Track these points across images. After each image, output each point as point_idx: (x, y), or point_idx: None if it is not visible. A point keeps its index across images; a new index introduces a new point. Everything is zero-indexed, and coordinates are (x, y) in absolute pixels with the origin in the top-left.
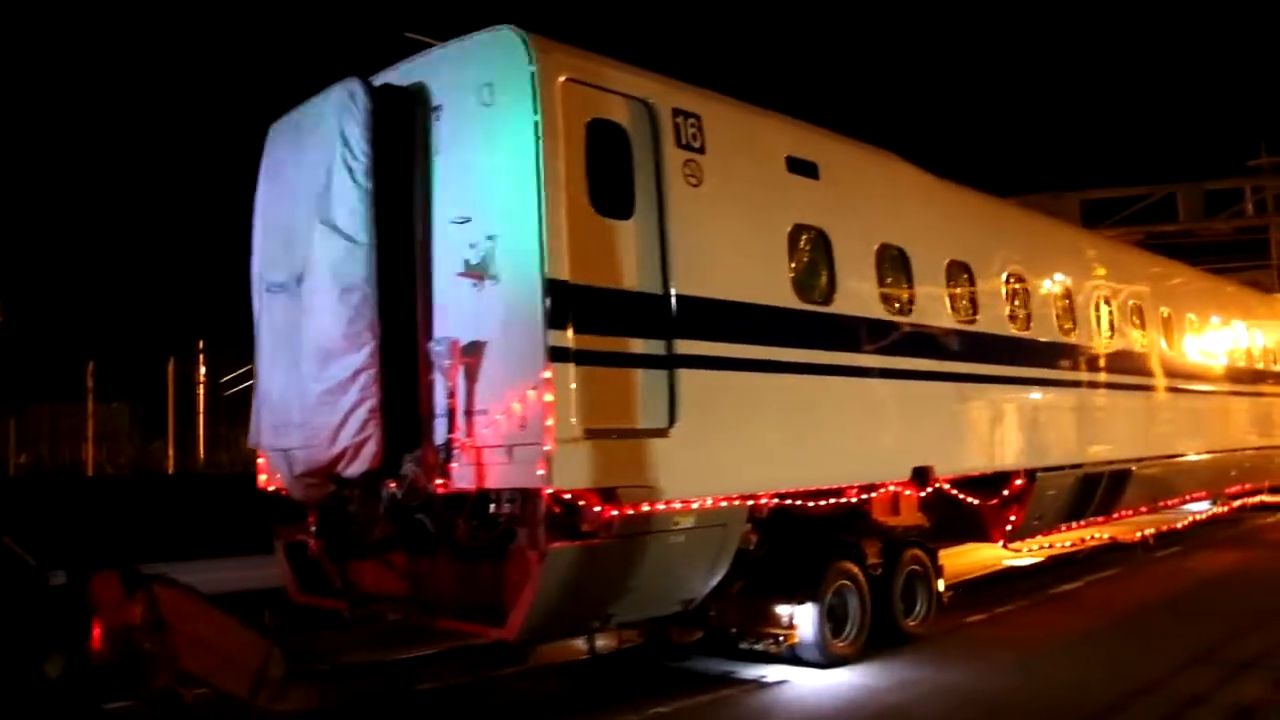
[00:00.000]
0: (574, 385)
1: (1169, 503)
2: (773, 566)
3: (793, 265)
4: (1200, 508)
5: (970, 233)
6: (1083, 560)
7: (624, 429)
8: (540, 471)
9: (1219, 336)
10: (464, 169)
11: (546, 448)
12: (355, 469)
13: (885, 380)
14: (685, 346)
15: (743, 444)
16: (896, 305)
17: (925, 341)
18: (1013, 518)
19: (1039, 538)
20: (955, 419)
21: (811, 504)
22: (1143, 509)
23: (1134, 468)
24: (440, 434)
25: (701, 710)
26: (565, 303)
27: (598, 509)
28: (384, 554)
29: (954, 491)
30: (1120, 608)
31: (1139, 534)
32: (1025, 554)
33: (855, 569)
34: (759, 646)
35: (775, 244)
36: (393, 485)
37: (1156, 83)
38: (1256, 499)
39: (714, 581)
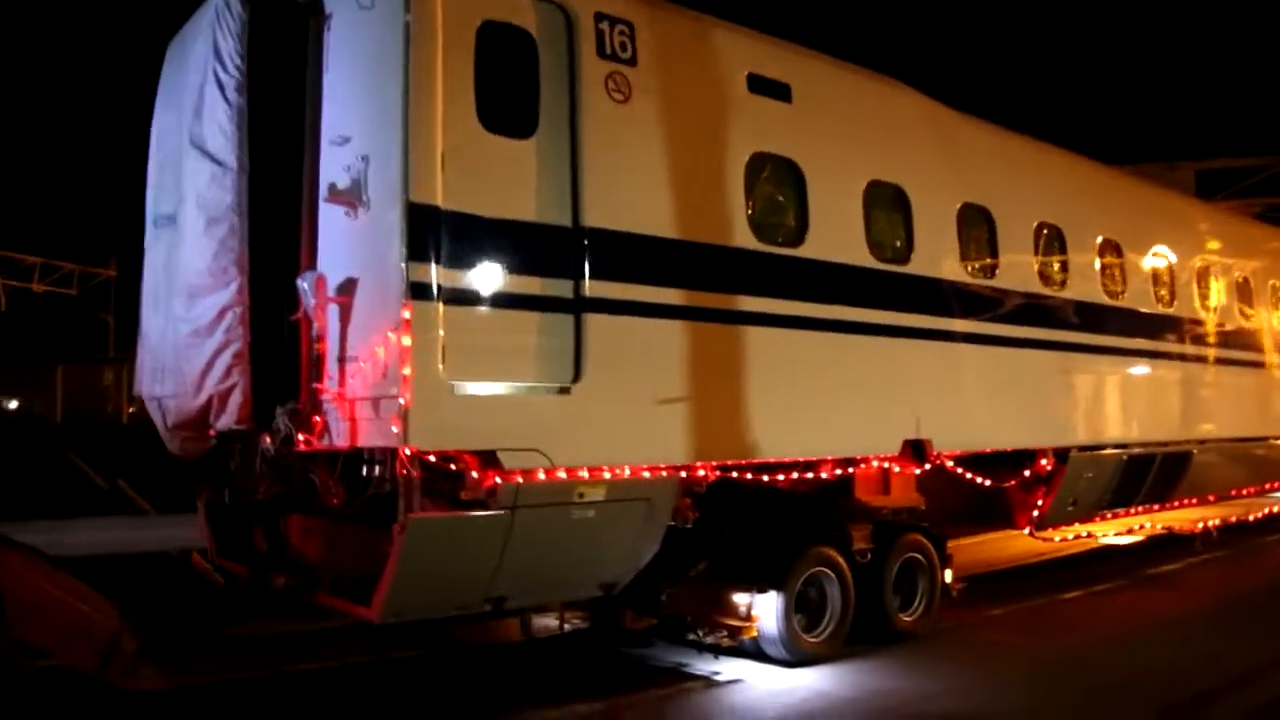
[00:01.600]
0: (442, 329)
1: (1246, 491)
2: (736, 549)
3: (751, 201)
4: None
5: (990, 173)
6: (1133, 553)
7: (511, 382)
8: (394, 428)
9: None
10: (347, 82)
11: (402, 400)
12: (224, 421)
13: (868, 338)
14: (599, 289)
15: (675, 406)
16: (889, 252)
17: (923, 296)
18: (1040, 502)
19: (1075, 526)
20: (959, 387)
21: (769, 479)
22: (1210, 497)
23: (1195, 450)
24: (311, 383)
25: (623, 710)
26: (433, 232)
27: (475, 475)
28: (274, 517)
29: (959, 470)
30: (1158, 615)
31: (1200, 525)
32: (1059, 543)
33: (836, 555)
34: (709, 639)
35: (728, 175)
36: (268, 440)
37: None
38: None
39: (640, 563)
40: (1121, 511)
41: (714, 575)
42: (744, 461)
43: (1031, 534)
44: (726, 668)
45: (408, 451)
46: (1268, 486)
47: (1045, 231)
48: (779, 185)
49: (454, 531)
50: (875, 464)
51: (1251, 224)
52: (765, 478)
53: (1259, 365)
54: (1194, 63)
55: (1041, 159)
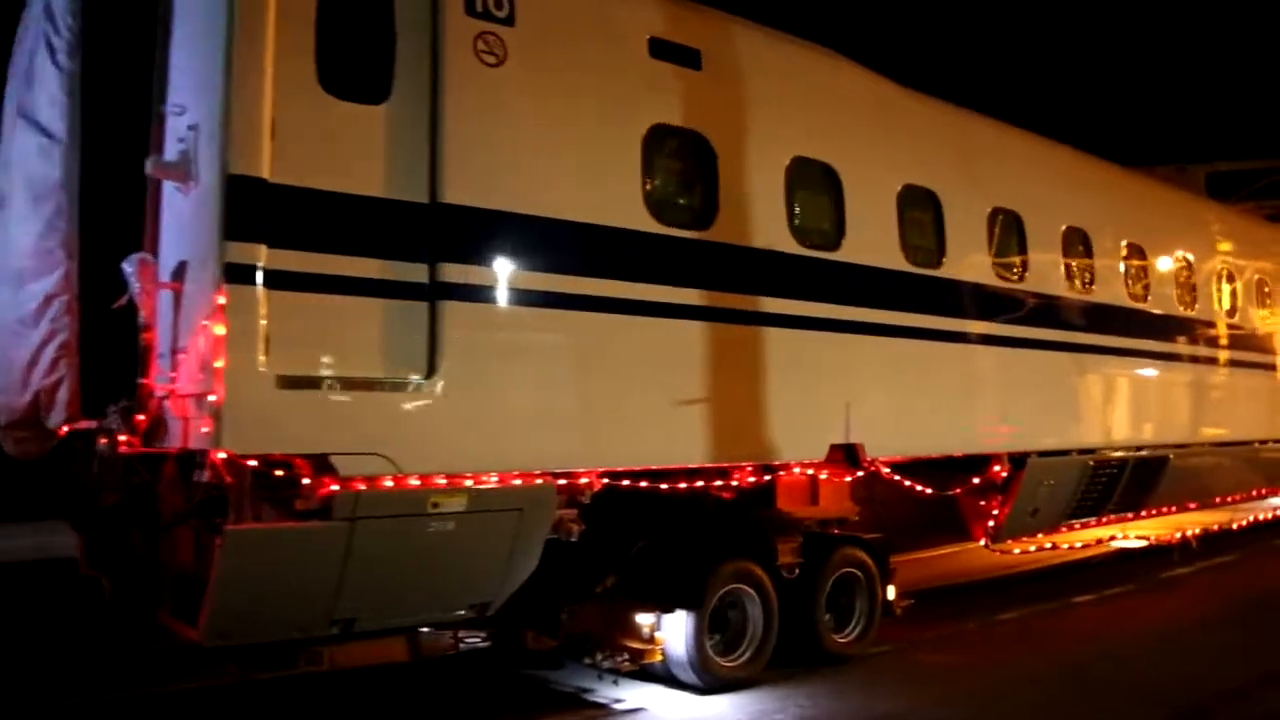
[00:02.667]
0: (265, 316)
1: (1232, 498)
2: (644, 564)
3: (650, 177)
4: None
5: (939, 154)
6: (1105, 565)
7: (350, 378)
8: (205, 429)
9: None
10: (187, 43)
11: (213, 398)
12: (54, 419)
13: (790, 332)
14: (460, 273)
15: (551, 406)
16: (816, 237)
17: (856, 287)
18: (996, 512)
19: (1039, 537)
20: (898, 387)
21: (672, 487)
22: (1190, 505)
23: (1172, 455)
24: (143, 378)
25: None
26: (256, 207)
27: (308, 482)
28: (119, 525)
29: (898, 478)
30: (1121, 632)
31: (1179, 535)
32: (1019, 556)
33: (758, 570)
34: (606, 664)
35: (622, 149)
36: (103, 441)
37: None
38: None
39: (515, 580)
40: (1092, 521)
41: (620, 593)
42: (637, 468)
43: (989, 546)
44: (632, 694)
45: (222, 455)
46: (1255, 493)
47: (1001, 218)
48: (684, 161)
49: (281, 545)
50: (799, 471)
51: (1242, 218)
52: (665, 486)
53: (1246, 365)
54: (1205, 65)
55: (1001, 141)
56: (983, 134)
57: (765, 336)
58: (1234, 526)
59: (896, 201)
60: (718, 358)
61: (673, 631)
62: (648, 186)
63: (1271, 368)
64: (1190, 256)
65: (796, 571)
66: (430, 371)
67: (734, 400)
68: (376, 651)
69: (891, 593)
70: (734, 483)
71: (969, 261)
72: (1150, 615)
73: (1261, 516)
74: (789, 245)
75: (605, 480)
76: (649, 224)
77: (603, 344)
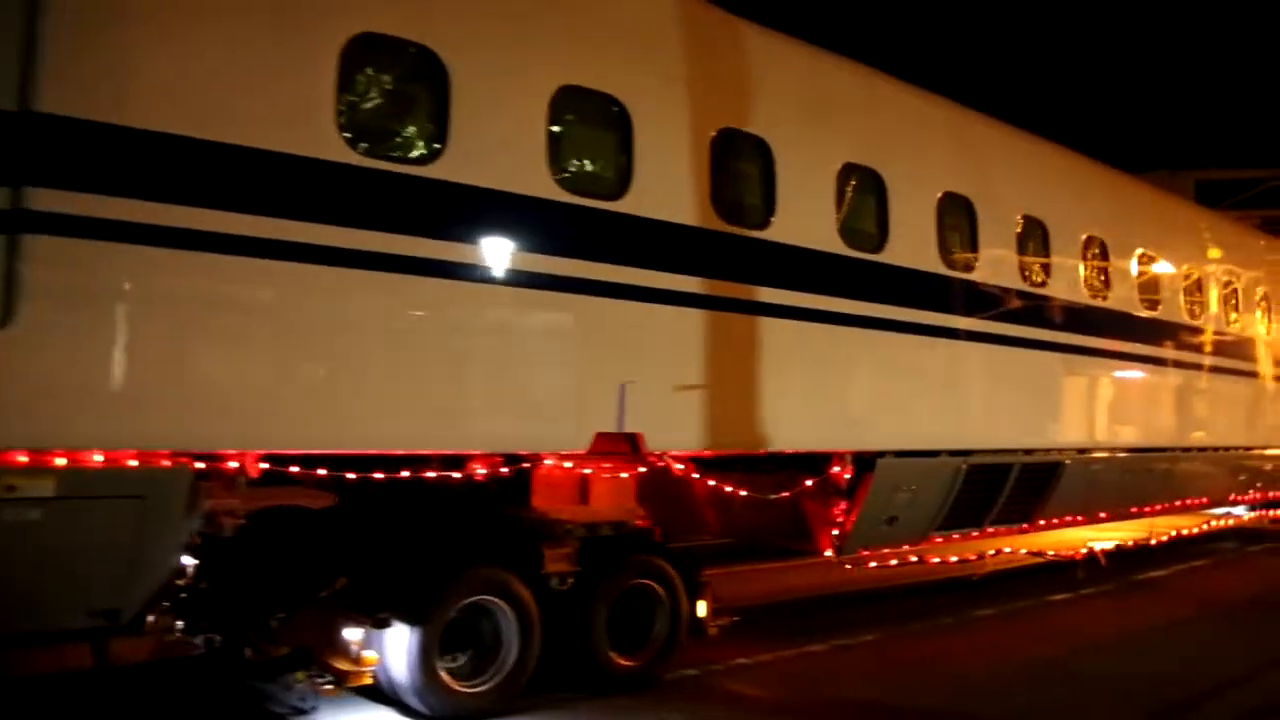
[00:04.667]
0: None
1: (1150, 508)
2: (371, 567)
3: (345, 97)
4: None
5: (767, 90)
6: (989, 582)
7: None
8: None
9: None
10: None
11: None
12: None
13: (537, 294)
14: (55, 200)
15: (186, 371)
16: (587, 182)
17: (639, 245)
18: (840, 520)
19: (902, 549)
20: (694, 369)
21: (384, 475)
22: (1100, 516)
23: (1068, 461)
24: None
25: None
26: None
27: None
28: None
29: (697, 476)
30: (964, 671)
31: (1085, 550)
32: (876, 570)
33: (514, 580)
34: (299, 686)
35: (309, 60)
36: None
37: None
38: None
39: (150, 581)
40: (973, 533)
41: (339, 601)
42: (316, 451)
43: (836, 559)
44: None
45: None
46: (1180, 504)
47: (853, 175)
48: (393, 80)
49: None
50: (556, 464)
51: (1155, 196)
52: (355, 474)
53: (1176, 366)
54: (1199, 73)
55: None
56: (801, 59)
57: (505, 299)
58: (1152, 542)
59: (710, 148)
60: (437, 325)
61: (395, 649)
62: (342, 110)
63: (1211, 369)
64: (1107, 242)
65: (570, 582)
66: (4, 318)
67: (460, 376)
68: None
69: (702, 609)
70: (470, 475)
71: (800, 222)
72: (1020, 648)
73: (1186, 531)
74: (548, 189)
75: (266, 465)
76: (343, 154)
77: (265, 298)
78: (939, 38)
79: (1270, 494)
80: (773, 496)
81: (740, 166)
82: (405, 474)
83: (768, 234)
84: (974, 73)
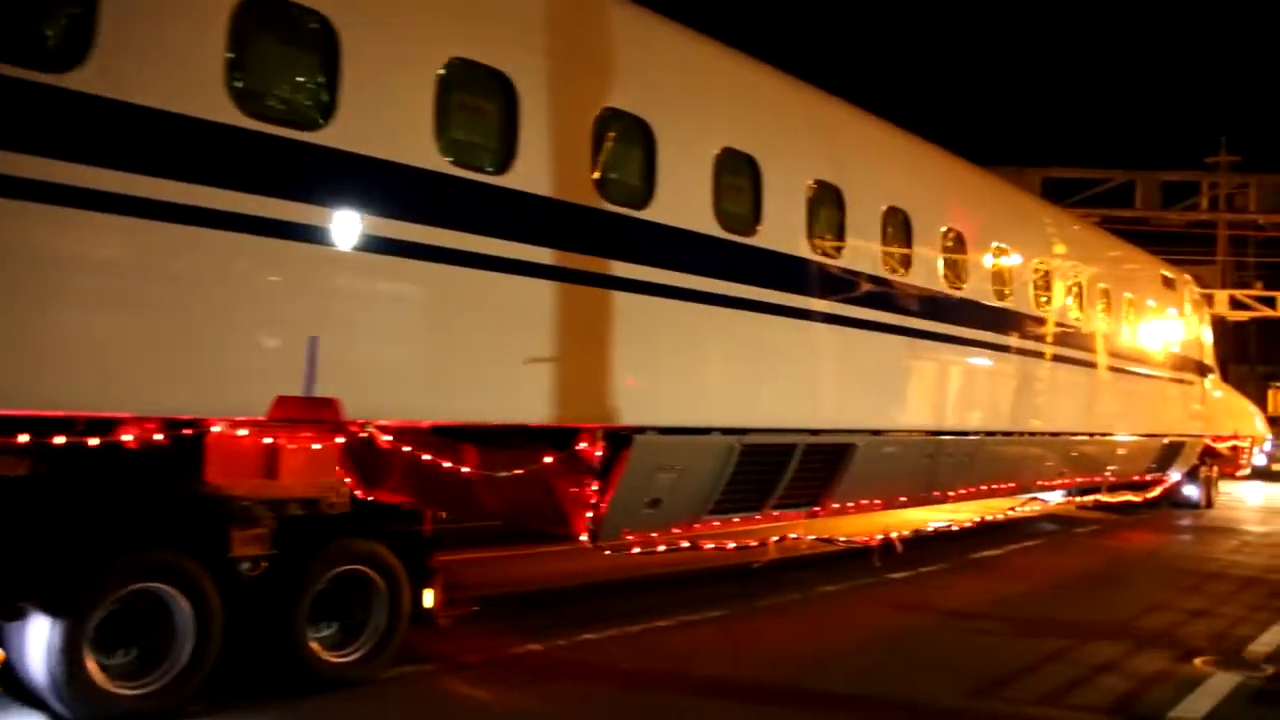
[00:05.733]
0: None
1: (954, 494)
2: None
3: None
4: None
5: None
6: (770, 570)
7: None
8: None
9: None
10: None
11: None
12: None
13: (183, 230)
14: None
15: None
16: (267, 107)
17: (318, 179)
18: (594, 502)
19: (674, 531)
20: (397, 325)
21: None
22: (899, 500)
23: (861, 444)
24: None
25: None
26: None
27: None
28: None
29: (409, 449)
30: (702, 677)
31: (881, 536)
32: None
33: (190, 565)
34: None
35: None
36: None
37: (1127, 70)
38: (1093, 498)
39: None
40: (755, 517)
41: None
42: None
43: (594, 545)
44: None
45: None
46: (988, 489)
47: (605, 117)
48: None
49: None
50: (227, 431)
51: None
52: None
53: (981, 348)
54: (1046, 72)
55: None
56: None
57: (141, 234)
58: (954, 528)
59: (437, 84)
60: (59, 256)
61: (35, 645)
62: None
63: (1024, 354)
64: (908, 213)
65: (264, 567)
66: None
67: (103, 324)
68: None
69: (430, 599)
70: (148, 442)
71: (540, 168)
72: (779, 642)
73: (991, 517)
74: (226, 112)
75: None
76: None
77: None
78: (805, 30)
79: (1080, 480)
80: (503, 474)
81: (458, 99)
82: (59, 440)
83: (499, 178)
84: (832, 62)
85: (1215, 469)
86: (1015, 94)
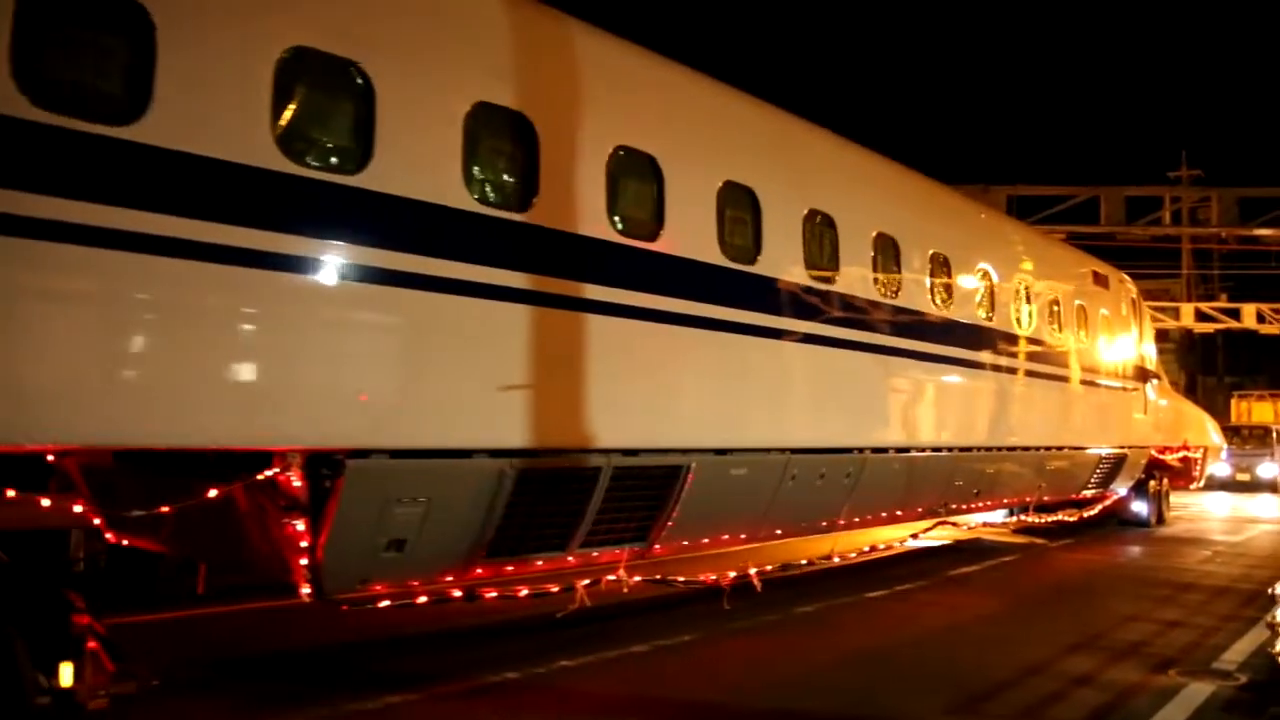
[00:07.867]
0: None
1: (844, 522)
2: None
3: None
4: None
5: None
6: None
7: None
8: None
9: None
10: None
11: None
12: None
13: None
14: None
15: None
16: None
17: None
18: (305, 544)
19: (446, 579)
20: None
21: None
22: (741, 536)
23: (693, 464)
24: None
25: None
26: None
27: None
28: None
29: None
30: None
31: (733, 574)
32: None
33: None
34: None
35: None
36: None
37: (1089, 88)
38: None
39: None
40: (564, 558)
41: None
42: None
43: (321, 600)
44: None
45: None
46: (888, 514)
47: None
48: None
49: None
50: None
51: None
52: None
53: (871, 348)
54: (1012, 91)
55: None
56: None
57: None
58: (836, 560)
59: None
60: None
61: None
62: None
63: (933, 356)
64: (760, 195)
65: None
66: None
67: None
68: None
69: (68, 676)
70: None
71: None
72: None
73: (884, 546)
74: None
75: None
76: None
77: None
78: (771, 50)
79: (1007, 500)
80: (138, 513)
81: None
82: None
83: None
84: (799, 82)
85: (1165, 482)
86: (981, 113)
